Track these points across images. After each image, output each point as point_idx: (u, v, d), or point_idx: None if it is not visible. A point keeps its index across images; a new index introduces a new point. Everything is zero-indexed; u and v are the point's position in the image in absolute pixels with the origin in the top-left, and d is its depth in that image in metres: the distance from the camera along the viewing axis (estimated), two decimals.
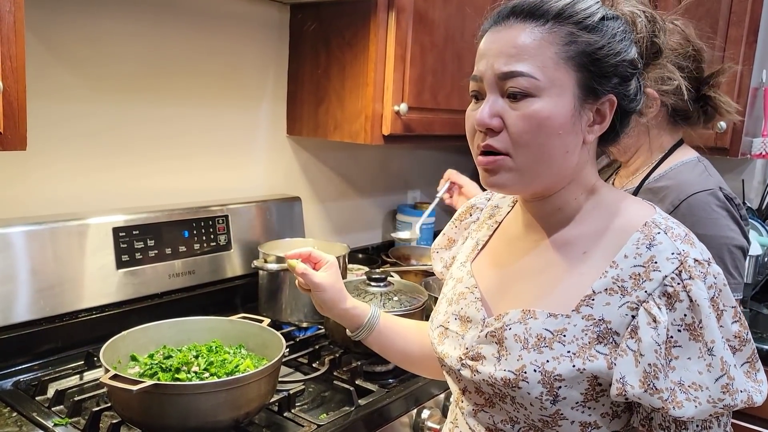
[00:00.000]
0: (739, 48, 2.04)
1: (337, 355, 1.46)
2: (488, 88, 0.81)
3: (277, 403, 1.22)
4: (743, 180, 2.45)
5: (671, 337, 0.74)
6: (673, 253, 0.76)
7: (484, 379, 0.83)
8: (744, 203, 2.39)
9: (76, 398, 1.18)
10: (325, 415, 1.23)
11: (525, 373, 0.78)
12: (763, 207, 2.41)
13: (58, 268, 1.38)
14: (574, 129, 0.79)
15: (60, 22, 1.40)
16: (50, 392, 1.24)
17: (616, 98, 0.81)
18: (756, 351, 0.78)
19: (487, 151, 0.81)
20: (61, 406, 1.19)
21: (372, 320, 1.08)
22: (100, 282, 1.45)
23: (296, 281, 1.09)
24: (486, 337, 0.84)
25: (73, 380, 1.31)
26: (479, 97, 0.83)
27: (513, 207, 0.98)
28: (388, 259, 2.15)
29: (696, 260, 0.76)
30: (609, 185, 0.88)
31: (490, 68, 0.80)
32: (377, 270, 1.60)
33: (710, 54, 1.34)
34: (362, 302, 1.11)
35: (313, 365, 1.46)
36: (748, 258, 1.19)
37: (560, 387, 0.77)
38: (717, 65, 1.36)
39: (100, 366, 1.30)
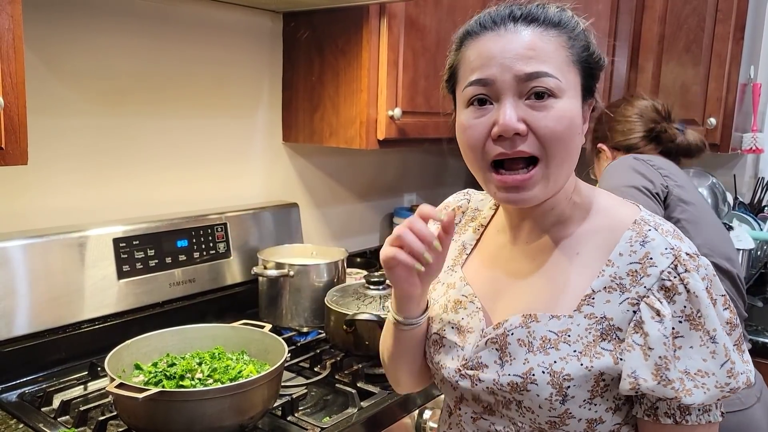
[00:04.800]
0: (726, 45, 2.07)
1: (339, 359, 1.47)
2: (504, 92, 0.78)
3: (280, 408, 1.23)
4: (734, 175, 2.48)
5: (673, 328, 0.76)
6: (666, 249, 0.79)
7: (487, 387, 0.83)
8: (736, 198, 2.42)
9: (81, 408, 1.19)
10: (327, 418, 1.24)
11: (533, 375, 0.79)
12: (755, 201, 2.43)
13: (59, 280, 1.39)
14: (582, 129, 0.83)
15: (57, 38, 1.42)
16: (56, 403, 1.25)
17: (594, 100, 0.86)
18: (742, 335, 0.81)
19: (516, 160, 0.79)
20: (67, 417, 1.20)
21: (431, 305, 0.95)
22: (102, 293, 1.46)
23: (420, 245, 0.81)
24: (486, 344, 0.85)
25: (77, 390, 1.32)
26: (486, 102, 0.80)
27: (496, 210, 0.97)
28: None
29: (688, 254, 0.79)
30: (586, 183, 0.91)
31: (508, 70, 0.78)
32: (376, 273, 1.61)
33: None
34: None
35: (315, 369, 1.47)
36: (653, 193, 1.44)
37: (569, 387, 0.78)
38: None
39: (104, 376, 1.32)
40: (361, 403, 1.28)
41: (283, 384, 1.27)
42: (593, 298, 0.80)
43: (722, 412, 0.80)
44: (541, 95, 0.78)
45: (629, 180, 1.44)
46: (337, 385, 1.38)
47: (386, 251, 0.82)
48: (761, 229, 2.24)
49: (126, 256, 1.50)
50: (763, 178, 2.46)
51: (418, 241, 0.80)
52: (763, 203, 2.44)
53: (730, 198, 2.39)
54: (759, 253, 2.26)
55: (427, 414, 1.39)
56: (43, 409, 1.24)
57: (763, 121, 2.48)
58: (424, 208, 0.82)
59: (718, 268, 1.42)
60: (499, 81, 0.78)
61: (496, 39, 0.80)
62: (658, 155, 1.60)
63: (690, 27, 2.14)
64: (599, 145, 1.66)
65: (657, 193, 1.43)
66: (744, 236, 2.03)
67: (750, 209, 2.39)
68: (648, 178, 1.44)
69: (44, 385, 1.32)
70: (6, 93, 0.98)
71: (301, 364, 1.48)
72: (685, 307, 0.76)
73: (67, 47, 1.44)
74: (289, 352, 1.22)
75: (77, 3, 1.44)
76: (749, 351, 1.44)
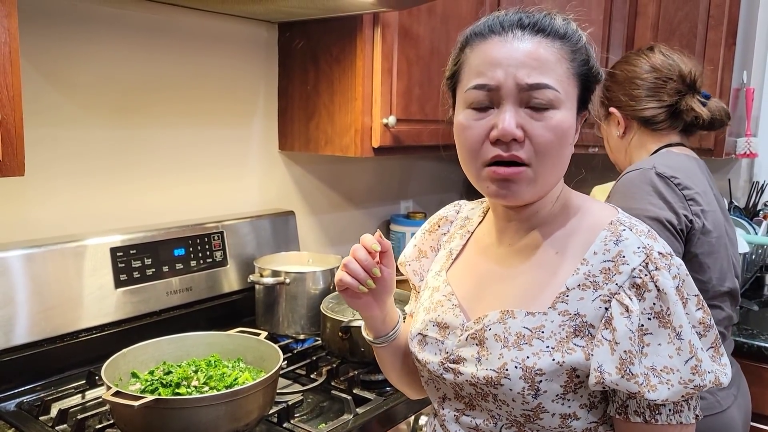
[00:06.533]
0: (719, 50, 2.09)
1: (334, 366, 1.48)
2: (506, 98, 0.81)
3: (276, 414, 1.24)
4: (729, 180, 2.49)
5: (642, 325, 0.78)
6: (639, 247, 0.81)
7: (466, 380, 0.86)
8: (731, 203, 2.43)
9: (79, 417, 1.20)
10: (323, 424, 1.25)
11: (506, 370, 0.82)
12: (750, 205, 2.45)
13: (57, 290, 1.40)
14: (573, 140, 0.86)
15: (54, 49, 1.43)
16: (53, 412, 1.26)
17: (587, 112, 0.89)
18: (719, 337, 0.82)
19: (509, 162, 0.81)
20: (65, 425, 1.21)
21: (401, 322, 1.02)
22: (99, 302, 1.47)
23: (372, 270, 0.91)
24: (467, 340, 0.87)
25: (75, 399, 1.33)
26: (489, 106, 0.82)
27: (484, 217, 1.01)
28: None
29: (660, 253, 0.81)
30: (571, 189, 0.93)
31: (512, 78, 0.80)
32: None
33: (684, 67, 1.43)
34: None
35: (311, 376, 1.48)
36: (677, 230, 1.29)
37: (541, 381, 0.80)
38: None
39: (101, 384, 1.32)
40: (357, 410, 1.29)
41: (279, 391, 1.28)
42: (567, 296, 0.83)
43: (697, 415, 0.81)
44: (540, 105, 0.80)
45: (652, 208, 1.28)
46: (332, 391, 1.38)
47: (337, 275, 0.93)
48: (756, 233, 2.25)
49: (123, 265, 1.51)
50: (757, 182, 2.48)
51: (361, 268, 0.91)
52: (758, 207, 2.45)
53: (725, 202, 2.39)
54: (754, 257, 2.27)
55: (422, 420, 1.40)
56: (41, 418, 1.25)
57: (756, 126, 2.50)
58: (365, 238, 0.92)
59: (722, 293, 1.35)
60: (502, 88, 0.81)
61: (501, 44, 0.82)
62: (677, 134, 1.45)
63: (683, 33, 2.16)
64: (611, 109, 1.45)
65: (681, 230, 1.31)
66: (739, 240, 2.04)
67: (745, 213, 2.40)
68: (672, 209, 1.28)
69: (42, 394, 1.33)
70: (3, 106, 0.99)
71: (297, 371, 1.49)
72: (654, 304, 0.78)
73: (64, 58, 1.45)
74: (285, 359, 1.24)
75: (74, 15, 1.46)
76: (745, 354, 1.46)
